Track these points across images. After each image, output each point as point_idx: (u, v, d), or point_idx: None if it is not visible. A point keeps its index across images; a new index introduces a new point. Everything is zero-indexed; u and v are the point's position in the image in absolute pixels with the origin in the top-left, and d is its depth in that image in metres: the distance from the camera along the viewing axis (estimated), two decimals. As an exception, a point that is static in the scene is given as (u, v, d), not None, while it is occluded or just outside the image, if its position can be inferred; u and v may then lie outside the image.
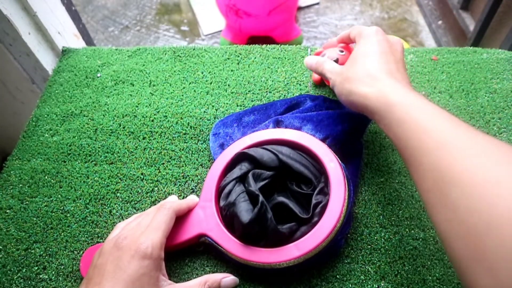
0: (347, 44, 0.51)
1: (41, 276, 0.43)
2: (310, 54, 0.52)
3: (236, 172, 0.43)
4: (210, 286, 0.38)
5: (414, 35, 1.51)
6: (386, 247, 0.43)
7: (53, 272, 0.43)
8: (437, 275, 0.41)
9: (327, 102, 0.52)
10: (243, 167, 0.43)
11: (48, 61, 0.67)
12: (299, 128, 0.47)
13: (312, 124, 0.47)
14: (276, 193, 0.43)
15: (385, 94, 0.36)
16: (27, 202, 0.49)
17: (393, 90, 0.36)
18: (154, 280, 0.36)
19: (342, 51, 0.49)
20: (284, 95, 0.56)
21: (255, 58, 0.61)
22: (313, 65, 0.48)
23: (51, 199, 0.49)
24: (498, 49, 0.60)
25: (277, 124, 0.48)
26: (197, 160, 0.51)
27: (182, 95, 0.57)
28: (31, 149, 0.53)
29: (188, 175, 0.50)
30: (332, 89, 0.45)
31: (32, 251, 0.45)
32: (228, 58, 0.61)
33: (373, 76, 0.38)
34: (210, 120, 0.54)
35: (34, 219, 0.47)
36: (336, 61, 0.48)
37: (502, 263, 0.23)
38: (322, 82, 0.56)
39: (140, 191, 0.49)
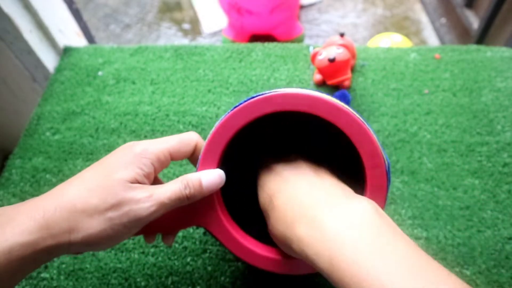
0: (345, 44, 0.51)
1: (42, 275, 0.43)
2: (311, 52, 0.52)
3: None
4: (192, 187, 0.32)
5: (417, 33, 1.50)
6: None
7: (55, 271, 0.43)
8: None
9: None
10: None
11: (49, 60, 0.67)
12: None
13: None
14: None
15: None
16: (28, 201, 0.49)
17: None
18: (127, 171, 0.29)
19: (339, 48, 0.50)
20: (286, 94, 0.56)
21: (257, 56, 0.61)
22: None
23: (53, 197, 0.49)
24: (503, 47, 0.59)
25: None
26: (198, 159, 0.51)
27: (184, 93, 0.57)
28: (32, 147, 0.53)
29: (189, 174, 0.49)
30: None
31: (34, 250, 0.45)
32: (230, 57, 0.61)
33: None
34: (212, 118, 0.54)
35: (36, 218, 0.47)
36: (333, 60, 0.48)
37: None
38: (324, 82, 0.56)
39: (141, 190, 0.49)
